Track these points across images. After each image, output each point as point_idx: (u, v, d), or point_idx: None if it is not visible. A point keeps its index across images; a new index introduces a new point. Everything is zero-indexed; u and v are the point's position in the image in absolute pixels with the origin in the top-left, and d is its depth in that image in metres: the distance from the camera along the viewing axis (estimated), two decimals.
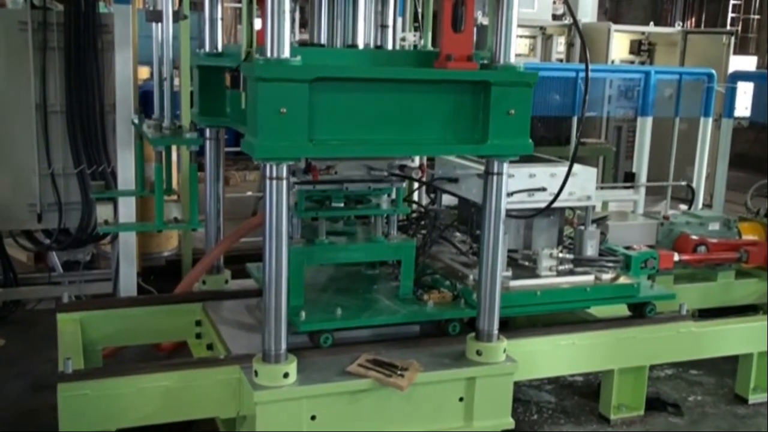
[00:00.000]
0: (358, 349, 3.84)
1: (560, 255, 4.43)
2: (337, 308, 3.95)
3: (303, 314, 3.86)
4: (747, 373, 5.06)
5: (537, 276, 4.38)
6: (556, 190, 4.19)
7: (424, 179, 4.26)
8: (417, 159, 4.30)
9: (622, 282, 4.55)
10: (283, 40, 3.18)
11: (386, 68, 3.70)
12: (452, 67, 3.53)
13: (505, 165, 3.70)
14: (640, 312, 4.61)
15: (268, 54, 3.20)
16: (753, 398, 5.08)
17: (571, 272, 4.45)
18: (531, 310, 4.35)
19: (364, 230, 4.40)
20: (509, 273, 4.29)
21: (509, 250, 4.41)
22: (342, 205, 4.12)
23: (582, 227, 4.55)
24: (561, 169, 4.30)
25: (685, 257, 5.29)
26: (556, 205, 4.26)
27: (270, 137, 3.23)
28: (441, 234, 4.59)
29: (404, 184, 4.27)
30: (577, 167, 4.33)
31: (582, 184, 4.46)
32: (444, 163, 4.70)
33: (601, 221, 5.03)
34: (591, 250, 4.52)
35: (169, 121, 4.32)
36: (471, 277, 4.28)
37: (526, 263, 4.48)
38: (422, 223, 4.73)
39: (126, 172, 5.44)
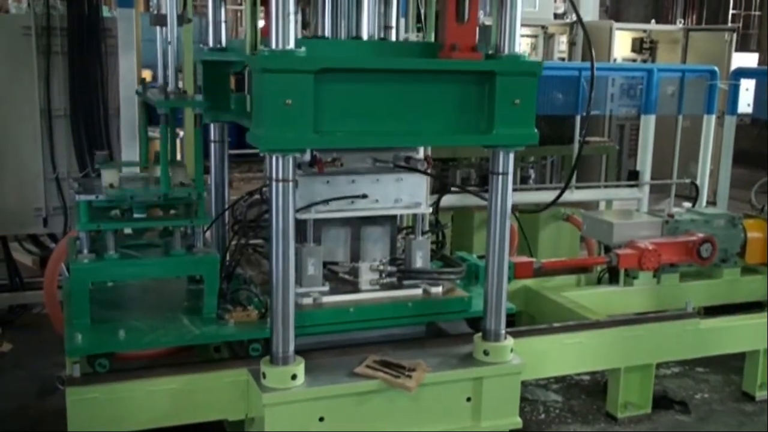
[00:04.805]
0: (365, 350, 3.85)
1: (383, 267, 4.04)
2: (120, 330, 3.66)
3: (79, 337, 3.56)
4: (754, 370, 5.07)
5: (358, 291, 4.00)
6: (379, 197, 3.97)
7: (429, 171, 4.21)
8: (422, 150, 4.26)
9: (452, 296, 4.13)
10: (288, 31, 3.18)
11: (391, 59, 3.69)
12: (457, 57, 3.53)
13: (511, 164, 3.70)
14: (476, 326, 4.03)
15: (273, 45, 3.20)
16: (760, 395, 5.08)
17: (399, 286, 4.06)
18: (345, 328, 3.91)
19: (170, 242, 4.00)
20: (326, 288, 3.94)
21: (330, 263, 4.05)
22: (144, 215, 3.90)
23: (411, 237, 4.12)
24: (385, 176, 4.02)
25: (546, 262, 5.00)
26: (382, 213, 4.03)
27: (276, 128, 3.22)
28: (254, 246, 4.32)
29: (204, 194, 4.06)
30: (404, 174, 4.06)
31: (410, 191, 4.07)
32: None
33: (439, 227, 4.63)
34: (420, 261, 4.10)
35: (174, 86, 4.25)
36: None
37: (350, 277, 4.06)
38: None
39: None
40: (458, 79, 3.56)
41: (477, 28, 3.62)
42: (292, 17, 3.19)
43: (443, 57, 3.59)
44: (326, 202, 3.92)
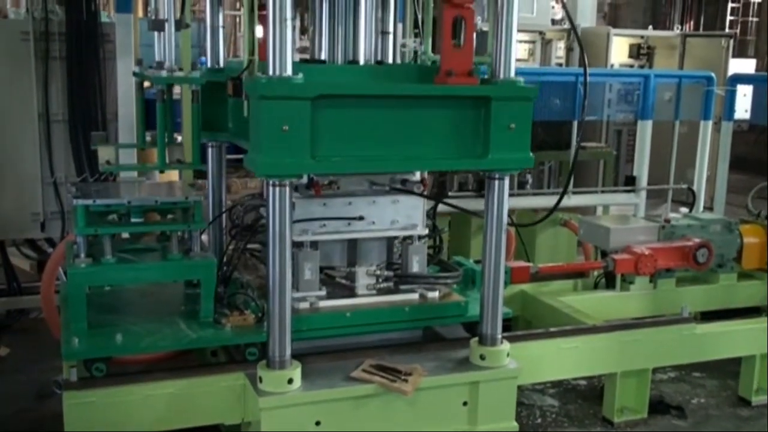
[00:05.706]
0: (362, 355, 3.85)
1: (380, 272, 4.06)
2: (117, 334, 3.65)
3: (76, 341, 3.56)
4: (750, 374, 5.08)
5: (354, 296, 4.04)
6: (375, 219, 4.02)
7: (425, 193, 4.25)
8: (418, 173, 4.28)
9: (449, 300, 4.15)
10: (285, 57, 3.22)
11: (388, 85, 3.72)
12: (453, 83, 3.58)
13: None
14: (473, 331, 4.05)
15: (270, 72, 3.23)
16: (756, 400, 5.10)
17: (396, 290, 4.09)
18: (342, 332, 3.92)
19: (167, 247, 4.01)
20: (323, 292, 3.96)
21: (327, 267, 4.09)
22: (141, 220, 3.91)
23: (408, 241, 4.13)
24: (381, 198, 4.06)
25: (543, 267, 5.02)
26: (378, 234, 4.06)
27: (273, 154, 3.27)
28: (251, 251, 4.33)
29: (201, 199, 4.07)
30: (400, 196, 4.10)
31: (407, 212, 4.10)
32: None
33: (436, 232, 4.56)
34: (417, 265, 4.12)
35: (171, 64, 4.25)
36: None
37: (346, 282, 4.09)
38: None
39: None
40: (454, 105, 3.60)
41: (473, 53, 3.63)
42: (289, 23, 3.21)
43: (439, 82, 3.62)
44: (323, 223, 3.93)
